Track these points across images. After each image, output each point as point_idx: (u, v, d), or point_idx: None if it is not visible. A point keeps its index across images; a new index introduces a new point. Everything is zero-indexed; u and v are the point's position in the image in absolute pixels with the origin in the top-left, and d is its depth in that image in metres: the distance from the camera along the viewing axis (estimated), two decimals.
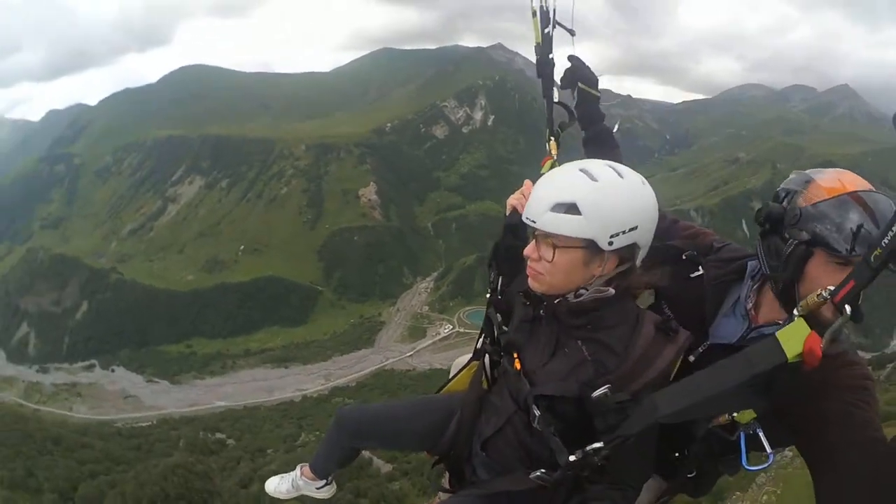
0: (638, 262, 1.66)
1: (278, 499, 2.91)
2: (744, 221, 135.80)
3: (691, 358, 1.80)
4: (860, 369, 1.60)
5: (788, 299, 1.63)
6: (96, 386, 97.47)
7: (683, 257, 1.93)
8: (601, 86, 2.48)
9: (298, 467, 2.76)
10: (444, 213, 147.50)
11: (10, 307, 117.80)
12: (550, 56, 2.45)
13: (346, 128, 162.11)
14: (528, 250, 1.66)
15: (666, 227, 2.07)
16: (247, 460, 49.00)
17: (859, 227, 1.49)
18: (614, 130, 2.51)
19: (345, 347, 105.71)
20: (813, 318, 1.34)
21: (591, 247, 1.55)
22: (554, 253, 1.59)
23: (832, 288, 1.31)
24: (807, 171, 1.69)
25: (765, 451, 1.62)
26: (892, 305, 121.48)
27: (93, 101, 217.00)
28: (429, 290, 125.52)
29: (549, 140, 2.41)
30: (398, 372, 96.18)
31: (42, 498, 35.12)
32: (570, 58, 2.45)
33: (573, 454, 1.64)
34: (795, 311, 1.39)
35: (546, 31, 2.44)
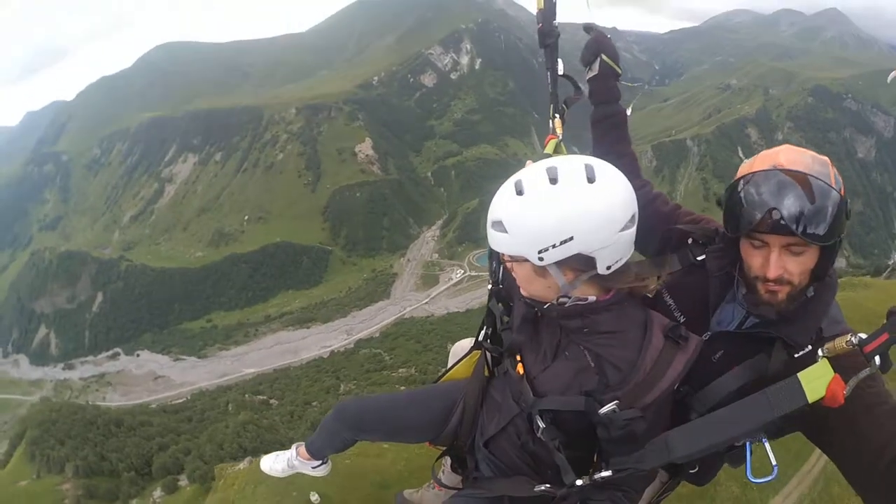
0: (600, 270, 1.49)
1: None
2: (740, 149, 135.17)
3: None
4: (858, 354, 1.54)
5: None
6: (124, 373, 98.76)
7: (689, 241, 1.83)
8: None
9: (294, 447, 2.72)
10: (442, 161, 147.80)
11: (25, 312, 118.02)
12: (555, 24, 2.12)
13: (332, 86, 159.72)
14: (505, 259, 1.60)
15: (667, 212, 2.00)
16: (300, 411, 49.60)
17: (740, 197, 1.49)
18: (629, 114, 2.27)
19: (362, 302, 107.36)
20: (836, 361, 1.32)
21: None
22: (511, 265, 1.56)
23: (864, 336, 1.29)
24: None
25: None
26: (889, 226, 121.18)
27: (69, 95, 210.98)
28: (436, 238, 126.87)
29: (554, 118, 2.16)
30: (418, 319, 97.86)
31: (120, 478, 36.08)
32: (588, 28, 2.17)
33: (580, 478, 1.60)
34: (820, 353, 1.37)
35: None
